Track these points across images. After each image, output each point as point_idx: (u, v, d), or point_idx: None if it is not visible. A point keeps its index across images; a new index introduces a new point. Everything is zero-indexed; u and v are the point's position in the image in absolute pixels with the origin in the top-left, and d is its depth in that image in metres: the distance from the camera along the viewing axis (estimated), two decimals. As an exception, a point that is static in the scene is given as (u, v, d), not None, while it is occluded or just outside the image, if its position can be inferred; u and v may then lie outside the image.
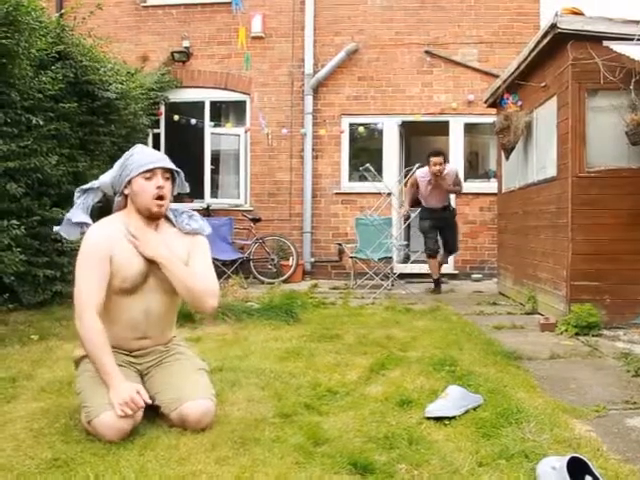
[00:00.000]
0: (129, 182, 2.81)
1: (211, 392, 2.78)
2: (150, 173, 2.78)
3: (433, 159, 7.70)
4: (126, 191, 2.84)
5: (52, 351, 4.31)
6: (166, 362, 2.87)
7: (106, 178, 2.92)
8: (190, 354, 3.00)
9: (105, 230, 2.79)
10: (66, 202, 6.62)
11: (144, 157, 2.81)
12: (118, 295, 2.74)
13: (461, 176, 8.68)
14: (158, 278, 2.79)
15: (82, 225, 2.87)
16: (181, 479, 2.16)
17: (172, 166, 2.87)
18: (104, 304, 2.70)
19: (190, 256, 2.88)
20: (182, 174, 2.93)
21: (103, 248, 2.71)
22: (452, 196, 8.84)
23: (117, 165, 2.88)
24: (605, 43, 5.08)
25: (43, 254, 6.26)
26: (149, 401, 2.59)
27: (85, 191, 2.95)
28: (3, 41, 5.41)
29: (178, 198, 11.32)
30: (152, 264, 2.77)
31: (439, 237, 8.21)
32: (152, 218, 2.83)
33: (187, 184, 3.00)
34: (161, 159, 2.85)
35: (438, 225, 8.12)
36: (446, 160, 7.91)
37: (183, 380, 2.75)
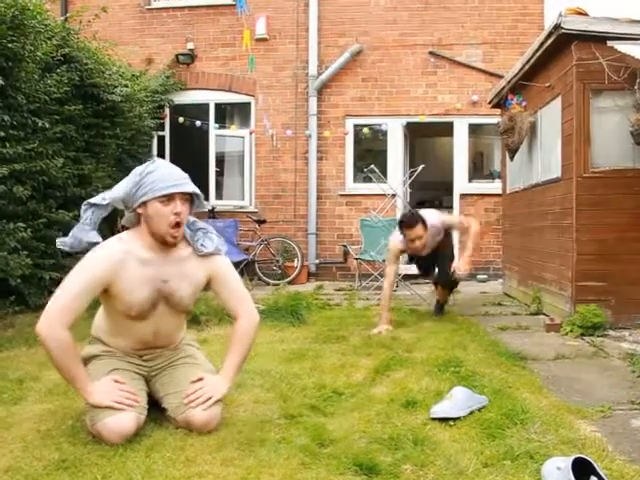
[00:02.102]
0: (144, 203, 2.62)
1: None
2: (168, 197, 2.59)
3: (408, 232, 5.22)
4: (139, 210, 2.65)
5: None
6: (173, 365, 2.88)
7: (117, 193, 2.69)
8: (198, 356, 3.00)
9: (115, 255, 2.61)
10: (72, 204, 6.67)
11: (163, 178, 2.59)
12: (126, 319, 2.69)
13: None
14: (168, 305, 2.73)
15: (93, 244, 2.69)
16: (187, 480, 2.17)
17: (193, 189, 2.67)
18: (114, 319, 2.73)
19: (218, 282, 2.82)
20: (202, 196, 2.76)
21: (105, 273, 2.57)
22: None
23: (130, 180, 2.65)
24: (609, 43, 5.07)
25: (49, 256, 6.28)
26: (124, 382, 2.62)
27: (93, 205, 2.73)
28: (9, 45, 5.46)
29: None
30: (161, 293, 2.68)
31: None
32: (163, 244, 2.68)
33: (205, 203, 2.84)
34: (181, 182, 2.62)
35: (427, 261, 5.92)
36: (425, 225, 5.24)
37: (190, 384, 2.75)
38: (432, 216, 5.43)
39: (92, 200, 2.73)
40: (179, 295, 2.74)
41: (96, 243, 2.67)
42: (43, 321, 2.49)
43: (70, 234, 2.71)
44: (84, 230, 2.70)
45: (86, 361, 2.79)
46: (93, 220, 2.72)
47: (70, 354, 2.51)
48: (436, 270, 5.82)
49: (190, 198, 2.70)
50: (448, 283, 5.79)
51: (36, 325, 2.48)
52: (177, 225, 2.62)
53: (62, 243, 2.74)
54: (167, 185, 2.58)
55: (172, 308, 2.76)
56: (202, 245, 2.77)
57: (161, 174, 2.60)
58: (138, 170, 2.65)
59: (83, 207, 2.74)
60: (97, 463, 2.31)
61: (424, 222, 5.18)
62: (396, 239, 5.37)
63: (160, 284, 2.67)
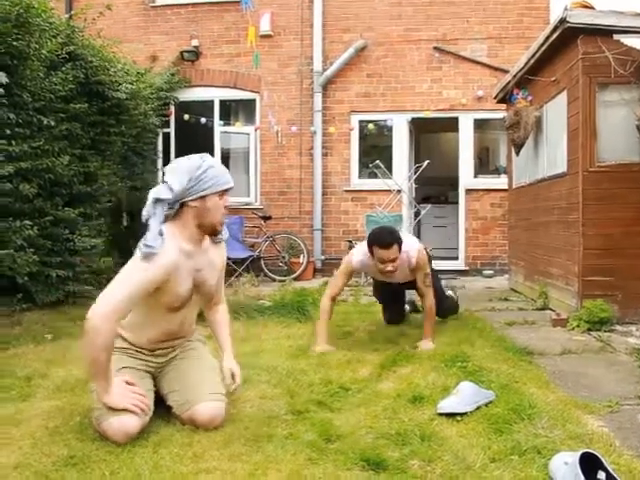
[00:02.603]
0: (202, 197, 2.69)
1: (222, 392, 2.80)
2: (224, 192, 2.75)
3: (380, 252, 4.10)
4: (193, 204, 2.68)
5: (66, 350, 4.34)
6: (178, 359, 2.90)
7: (177, 187, 2.64)
8: (202, 351, 3.02)
9: (174, 257, 2.62)
10: (78, 202, 6.70)
11: (222, 174, 2.73)
12: (165, 311, 2.72)
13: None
14: (199, 294, 2.83)
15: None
16: (195, 476, 2.18)
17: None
18: (147, 312, 2.74)
19: (221, 268, 2.99)
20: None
21: (164, 277, 2.59)
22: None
23: (187, 174, 2.66)
24: (616, 36, 5.05)
25: (56, 254, 6.30)
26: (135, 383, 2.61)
27: (161, 201, 2.63)
28: (14, 43, 5.47)
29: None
30: (196, 283, 2.76)
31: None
32: (210, 234, 2.81)
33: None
34: (230, 177, 2.80)
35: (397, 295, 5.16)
36: (402, 246, 4.15)
37: (194, 381, 2.77)
38: (412, 246, 4.33)
39: (159, 195, 2.62)
40: (209, 283, 2.86)
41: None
42: (99, 311, 2.45)
43: (152, 233, 2.56)
44: (162, 225, 2.62)
45: None
46: (160, 223, 2.62)
47: (110, 350, 2.50)
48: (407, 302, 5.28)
49: None
50: (444, 311, 4.94)
51: (90, 310, 2.44)
52: (224, 216, 2.79)
53: (151, 248, 2.58)
54: (226, 180, 2.74)
55: (201, 296, 2.87)
56: (222, 235, 2.91)
57: (220, 170, 2.74)
58: (194, 164, 2.69)
59: (151, 204, 2.61)
60: (105, 459, 2.32)
61: (401, 243, 4.13)
62: (357, 256, 4.35)
63: (195, 274, 2.75)
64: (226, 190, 2.75)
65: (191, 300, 2.79)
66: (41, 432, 2.63)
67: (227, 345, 3.12)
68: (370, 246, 4.15)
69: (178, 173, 2.67)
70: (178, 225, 2.72)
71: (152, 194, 2.63)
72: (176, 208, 2.70)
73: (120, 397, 2.52)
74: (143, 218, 2.61)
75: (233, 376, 2.97)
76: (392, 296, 5.08)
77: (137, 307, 2.68)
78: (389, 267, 4.10)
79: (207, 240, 2.84)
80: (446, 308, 4.97)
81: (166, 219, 2.68)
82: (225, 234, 2.93)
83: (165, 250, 2.57)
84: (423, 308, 4.48)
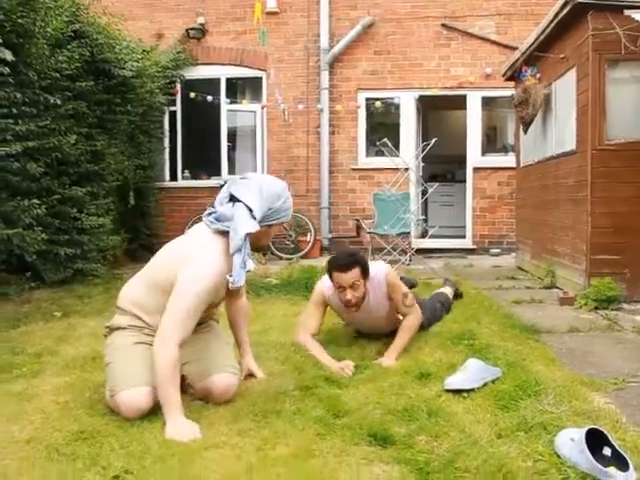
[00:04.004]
0: (269, 225, 2.80)
1: (236, 366, 2.85)
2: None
3: (338, 276, 3.47)
4: (261, 228, 2.73)
5: (75, 328, 4.39)
6: (196, 333, 2.90)
7: (259, 215, 2.70)
8: (216, 327, 3.04)
9: (223, 269, 2.64)
10: (85, 180, 6.72)
11: (290, 206, 2.87)
12: None
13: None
14: (228, 294, 2.87)
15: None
16: (204, 450, 2.20)
17: None
18: None
19: None
20: None
21: (215, 291, 2.65)
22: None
23: (264, 202, 2.71)
24: (626, 12, 4.98)
25: (64, 232, 6.34)
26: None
27: (250, 234, 2.67)
28: (19, 20, 5.44)
29: (195, 175, 11.33)
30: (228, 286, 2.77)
31: None
32: (253, 250, 2.85)
33: (218, 178, 3.03)
34: None
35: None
36: (366, 272, 3.52)
37: (210, 353, 2.80)
38: (379, 268, 3.72)
39: (249, 230, 2.64)
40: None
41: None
42: (172, 342, 2.49)
43: (238, 266, 2.63)
44: (248, 260, 2.68)
45: (111, 330, 2.82)
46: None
47: (177, 378, 2.53)
48: None
49: None
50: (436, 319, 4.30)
51: (162, 339, 2.49)
52: None
53: (237, 280, 2.63)
54: (290, 212, 2.89)
55: (229, 294, 2.89)
56: None
57: (290, 202, 2.87)
58: (277, 192, 2.78)
59: (242, 237, 2.63)
60: (115, 434, 2.35)
61: (365, 267, 3.52)
62: (327, 281, 3.63)
63: (229, 278, 2.74)
64: None
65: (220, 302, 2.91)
66: (52, 407, 2.67)
67: (245, 346, 3.19)
68: (330, 273, 3.52)
69: (262, 199, 2.72)
70: (223, 239, 2.70)
71: (243, 228, 2.62)
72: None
73: (183, 432, 2.37)
74: (231, 250, 2.63)
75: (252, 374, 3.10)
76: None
77: (162, 299, 2.63)
78: (348, 295, 3.44)
79: None
80: (438, 316, 4.34)
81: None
82: None
83: (215, 265, 2.62)
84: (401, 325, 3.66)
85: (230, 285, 2.60)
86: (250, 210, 2.67)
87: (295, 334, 3.67)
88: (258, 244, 2.84)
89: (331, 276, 3.51)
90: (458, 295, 5.10)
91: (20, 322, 4.56)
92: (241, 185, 2.75)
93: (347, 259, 3.50)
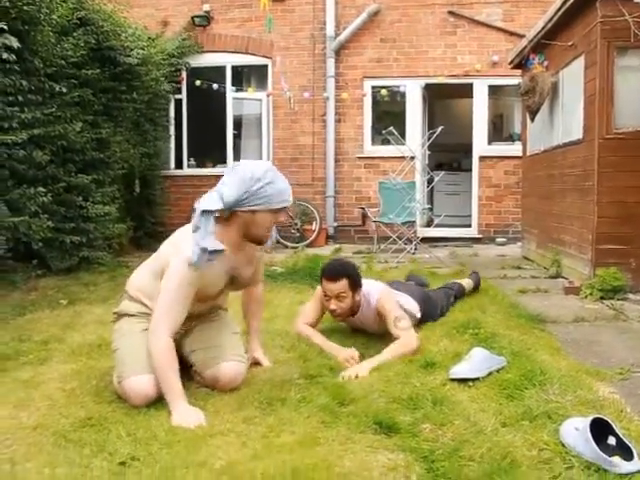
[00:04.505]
0: (252, 211, 2.63)
1: (244, 355, 2.86)
2: (279, 210, 2.70)
3: (326, 285, 3.47)
4: (242, 214, 2.63)
5: (81, 315, 4.41)
6: (203, 321, 2.92)
7: (230, 198, 2.58)
8: (226, 316, 3.05)
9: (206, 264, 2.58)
10: (91, 168, 6.73)
11: (278, 192, 2.64)
12: (194, 300, 2.68)
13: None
14: (233, 286, 2.86)
15: (214, 252, 2.54)
16: (209, 437, 2.21)
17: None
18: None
19: (258, 258, 2.99)
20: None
21: (201, 276, 2.59)
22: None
23: (244, 185, 2.58)
24: (636, -1, 4.94)
25: (69, 220, 6.35)
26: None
27: (208, 212, 2.56)
28: (25, 7, 5.42)
29: (201, 163, 11.33)
30: (231, 279, 2.78)
31: None
32: (254, 243, 2.77)
33: (226, 167, 2.88)
34: (290, 196, 2.72)
35: None
36: (355, 285, 3.48)
37: (218, 342, 2.82)
38: (372, 289, 3.61)
39: (209, 207, 2.56)
40: (244, 277, 2.88)
41: (219, 250, 2.55)
42: (160, 336, 2.52)
43: (194, 245, 2.52)
44: (209, 240, 2.53)
45: (119, 316, 2.83)
46: (212, 225, 2.56)
47: (175, 367, 2.54)
48: None
49: None
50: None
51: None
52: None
53: (190, 260, 2.53)
54: (282, 199, 2.66)
55: (235, 287, 2.90)
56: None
57: (277, 187, 2.64)
58: (254, 175, 2.60)
59: (199, 215, 2.56)
60: (122, 421, 2.36)
61: (355, 281, 3.47)
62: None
63: (231, 271, 2.77)
64: (280, 209, 2.69)
65: (223, 292, 2.86)
66: (59, 394, 2.68)
67: (254, 334, 3.19)
68: (320, 278, 3.54)
69: (237, 181, 2.60)
70: (223, 228, 2.65)
71: (201, 204, 2.56)
72: (224, 214, 2.64)
73: (188, 418, 2.39)
74: (192, 229, 2.57)
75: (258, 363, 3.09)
76: None
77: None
78: (332, 305, 3.44)
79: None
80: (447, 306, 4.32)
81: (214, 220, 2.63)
82: (272, 238, 2.88)
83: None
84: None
85: (187, 259, 2.51)
86: (219, 192, 2.60)
87: (294, 323, 3.70)
88: (250, 234, 2.69)
89: (321, 282, 3.50)
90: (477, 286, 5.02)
91: (27, 310, 4.58)
92: (227, 170, 2.73)
93: (337, 269, 3.48)
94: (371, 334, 3.64)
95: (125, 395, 2.56)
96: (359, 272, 3.57)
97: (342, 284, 3.41)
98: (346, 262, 3.66)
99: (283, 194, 2.66)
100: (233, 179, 2.61)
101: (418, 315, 3.80)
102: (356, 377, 2.91)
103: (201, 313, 2.88)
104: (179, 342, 2.85)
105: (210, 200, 2.58)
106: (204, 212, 2.55)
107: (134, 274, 2.90)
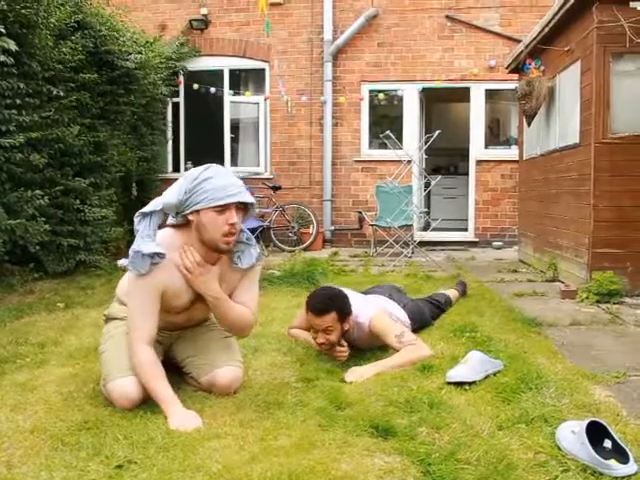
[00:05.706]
0: (197, 210, 2.51)
1: (239, 359, 2.84)
2: (223, 207, 2.50)
3: (312, 318, 3.21)
4: (191, 217, 2.54)
5: (78, 319, 4.41)
6: (195, 329, 2.91)
7: (170, 199, 2.53)
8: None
9: (162, 275, 2.53)
10: (88, 172, 6.72)
11: (219, 187, 2.48)
12: (163, 312, 2.64)
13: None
14: (204, 302, 2.69)
15: (154, 256, 2.48)
16: (206, 441, 2.21)
17: (249, 199, 2.57)
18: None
19: (242, 282, 2.75)
20: (255, 204, 2.69)
21: (157, 282, 2.52)
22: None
23: (184, 185, 2.52)
24: (632, 4, 4.97)
25: (67, 223, 6.35)
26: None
27: (146, 215, 2.55)
28: (22, 11, 5.43)
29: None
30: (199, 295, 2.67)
31: None
32: (214, 251, 2.60)
33: (255, 204, 2.72)
34: (237, 192, 2.51)
35: None
36: (344, 315, 3.20)
37: (213, 347, 2.81)
38: (363, 313, 3.36)
39: (145, 209, 2.54)
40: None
41: (157, 254, 2.48)
42: (133, 348, 2.51)
43: (131, 250, 2.50)
44: (144, 243, 2.48)
45: (108, 319, 2.84)
46: (152, 228, 2.53)
47: (160, 373, 2.52)
48: None
49: (244, 207, 2.62)
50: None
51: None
52: (231, 234, 2.54)
53: (125, 264, 2.52)
54: (225, 195, 2.48)
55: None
56: (239, 258, 2.69)
57: (218, 183, 2.49)
58: (193, 175, 2.52)
59: (136, 219, 2.56)
60: (118, 424, 2.36)
61: (344, 312, 3.21)
62: None
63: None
64: (226, 206, 2.49)
65: (194, 306, 2.71)
66: (55, 397, 2.68)
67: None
68: (306, 309, 3.26)
69: (178, 182, 2.55)
70: (185, 235, 2.60)
71: (140, 210, 2.55)
72: (178, 220, 2.61)
73: (184, 420, 2.39)
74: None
75: None
76: None
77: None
78: (320, 339, 3.18)
79: (224, 257, 2.67)
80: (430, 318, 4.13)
81: (174, 227, 2.63)
82: (246, 261, 2.69)
83: (158, 266, 2.49)
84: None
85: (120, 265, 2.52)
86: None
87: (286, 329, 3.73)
88: (204, 240, 2.55)
89: (307, 313, 3.25)
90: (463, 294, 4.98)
91: (23, 313, 4.58)
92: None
93: (325, 302, 3.17)
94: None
95: (110, 397, 2.55)
96: (347, 300, 3.27)
97: (330, 317, 3.14)
98: (334, 293, 3.29)
99: (225, 190, 2.49)
100: (178, 183, 2.58)
101: (408, 321, 3.68)
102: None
103: (185, 325, 2.83)
104: (170, 348, 2.87)
105: (150, 203, 2.57)
106: (142, 215, 2.54)
107: (124, 278, 2.89)
